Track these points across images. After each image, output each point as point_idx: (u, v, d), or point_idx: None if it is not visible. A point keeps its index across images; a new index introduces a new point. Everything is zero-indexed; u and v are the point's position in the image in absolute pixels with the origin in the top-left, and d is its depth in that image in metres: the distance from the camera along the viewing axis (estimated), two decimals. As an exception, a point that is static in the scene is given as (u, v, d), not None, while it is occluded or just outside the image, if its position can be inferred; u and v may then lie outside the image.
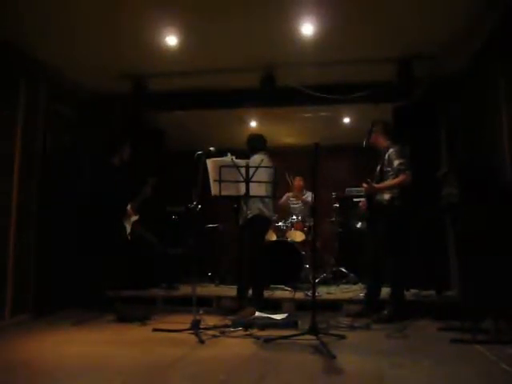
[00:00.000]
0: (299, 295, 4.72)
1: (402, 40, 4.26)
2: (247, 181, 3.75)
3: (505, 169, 3.67)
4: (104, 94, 5.39)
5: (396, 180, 4.02)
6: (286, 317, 3.89)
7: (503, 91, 3.72)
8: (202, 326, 3.52)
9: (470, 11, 3.71)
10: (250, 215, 4.19)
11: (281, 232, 6.00)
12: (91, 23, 3.93)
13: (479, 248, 3.59)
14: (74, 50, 4.38)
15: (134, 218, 5.03)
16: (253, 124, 6.76)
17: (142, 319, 4.02)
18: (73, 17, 3.83)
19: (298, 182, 6.53)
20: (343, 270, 5.87)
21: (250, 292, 4.25)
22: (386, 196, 4.09)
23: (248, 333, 3.48)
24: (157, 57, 4.58)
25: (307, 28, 4.07)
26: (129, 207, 5.00)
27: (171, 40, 4.27)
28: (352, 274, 5.78)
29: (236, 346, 3.20)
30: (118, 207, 4.86)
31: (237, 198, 4.35)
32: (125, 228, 4.91)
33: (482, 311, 3.49)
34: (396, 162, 4.04)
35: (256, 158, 4.20)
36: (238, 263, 4.38)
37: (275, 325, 3.70)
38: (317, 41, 4.25)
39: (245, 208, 4.09)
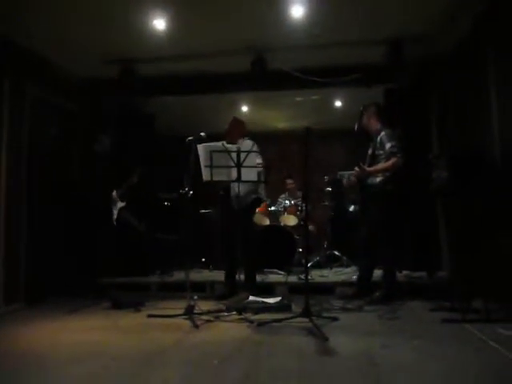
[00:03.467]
0: (292, 279, 4.76)
1: (392, 21, 4.23)
2: (238, 166, 3.74)
3: (494, 151, 3.68)
4: (92, 80, 5.32)
5: (388, 163, 4.02)
6: (280, 300, 3.93)
7: (492, 73, 3.72)
8: (196, 311, 3.53)
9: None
10: (250, 198, 4.22)
11: (274, 216, 6.01)
12: (78, 8, 3.85)
13: (469, 229, 3.62)
14: (61, 36, 4.30)
15: (121, 204, 5.03)
16: (244, 109, 6.71)
17: (137, 306, 4.04)
18: (59, 2, 3.74)
19: (290, 185, 6.55)
20: (336, 253, 5.91)
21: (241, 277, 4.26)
22: (378, 179, 4.10)
23: (242, 317, 3.51)
24: (145, 41, 4.51)
25: (297, 10, 4.02)
26: (114, 193, 5.00)
27: (159, 24, 4.20)
28: (345, 257, 5.82)
29: (230, 330, 3.23)
30: (103, 194, 4.86)
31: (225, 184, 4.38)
32: (113, 214, 4.93)
33: (471, 291, 3.54)
34: (388, 145, 4.04)
35: (248, 142, 4.23)
36: (230, 248, 4.38)
37: (269, 308, 3.73)
38: (307, 23, 4.21)
39: (239, 191, 4.03)
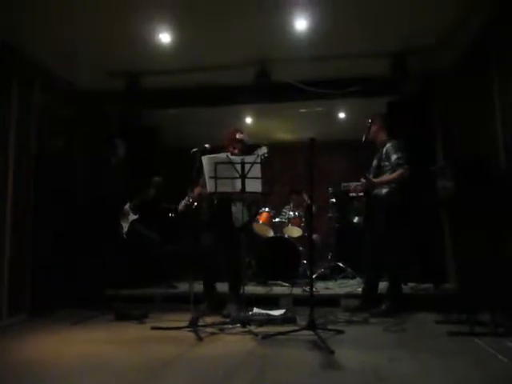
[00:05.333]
0: (297, 291, 4.72)
1: (396, 34, 4.25)
2: (243, 177, 3.74)
3: (499, 161, 3.67)
4: (98, 92, 5.36)
5: (394, 175, 4.01)
6: (284, 312, 3.90)
7: (496, 84, 3.72)
8: (200, 324, 3.52)
9: (463, 4, 3.71)
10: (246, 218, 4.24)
11: (278, 228, 5.99)
12: (84, 21, 3.90)
13: (475, 240, 3.60)
14: (67, 48, 4.35)
15: (133, 217, 5.01)
16: (248, 120, 6.74)
17: (141, 318, 4.02)
18: (65, 15, 3.80)
19: (294, 199, 6.48)
20: (341, 264, 5.88)
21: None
22: (384, 190, 4.09)
23: (246, 329, 3.48)
24: (150, 54, 4.55)
25: (301, 23, 4.06)
26: (126, 206, 4.98)
27: (164, 37, 4.25)
28: (350, 269, 5.79)
29: (234, 342, 3.20)
30: (114, 206, 4.84)
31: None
32: (121, 227, 4.90)
33: (479, 304, 3.50)
34: (394, 157, 4.03)
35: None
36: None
37: (273, 321, 3.70)
38: (311, 36, 4.24)
39: (240, 209, 4.05)
